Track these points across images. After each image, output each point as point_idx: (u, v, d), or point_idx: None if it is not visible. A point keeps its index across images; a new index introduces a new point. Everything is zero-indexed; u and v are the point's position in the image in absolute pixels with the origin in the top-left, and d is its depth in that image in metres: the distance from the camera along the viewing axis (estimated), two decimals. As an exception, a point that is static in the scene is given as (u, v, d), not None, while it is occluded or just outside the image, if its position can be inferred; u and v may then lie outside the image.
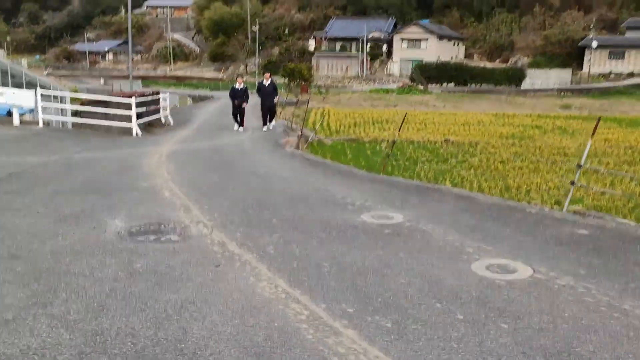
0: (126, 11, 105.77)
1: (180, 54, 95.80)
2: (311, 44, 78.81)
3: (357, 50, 73.04)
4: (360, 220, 5.75)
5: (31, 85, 18.90)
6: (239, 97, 17.03)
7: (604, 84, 52.41)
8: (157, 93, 18.90)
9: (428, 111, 32.92)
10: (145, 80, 63.96)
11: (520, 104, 42.38)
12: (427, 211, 6.10)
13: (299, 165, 9.94)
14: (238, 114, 17.27)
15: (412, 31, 70.37)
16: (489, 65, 62.90)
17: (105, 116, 15.78)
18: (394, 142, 9.30)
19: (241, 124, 17.34)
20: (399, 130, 9.64)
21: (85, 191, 7.34)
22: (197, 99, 39.56)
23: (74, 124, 16.70)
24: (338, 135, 18.75)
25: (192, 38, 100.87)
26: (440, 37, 69.83)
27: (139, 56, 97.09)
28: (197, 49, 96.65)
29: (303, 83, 47.38)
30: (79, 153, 11.02)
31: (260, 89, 17.30)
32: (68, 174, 8.60)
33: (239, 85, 17.29)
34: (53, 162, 9.65)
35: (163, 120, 18.92)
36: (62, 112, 18.18)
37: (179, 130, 17.31)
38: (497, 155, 15.07)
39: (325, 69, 72.92)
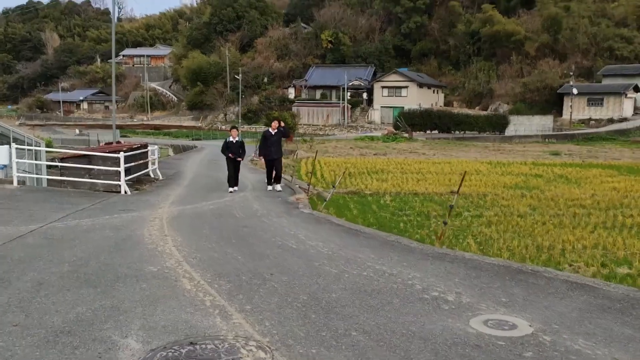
0: (102, 60, 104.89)
1: (157, 103, 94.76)
2: (291, 92, 78.54)
3: (338, 98, 72.87)
4: (475, 332, 4.14)
5: (4, 137, 17.09)
6: (234, 153, 14.10)
7: (586, 130, 52.66)
8: (146, 146, 17.27)
9: (421, 160, 31.85)
10: (123, 129, 62.23)
11: (508, 150, 41.82)
12: (550, 311, 4.53)
13: (332, 234, 8.33)
14: (234, 173, 14.27)
15: (393, 79, 70.63)
16: (469, 112, 63.02)
17: (89, 172, 14.04)
18: (451, 207, 7.77)
19: (236, 183, 14.44)
20: (458, 192, 8.13)
21: (78, 281, 5.59)
22: (180, 149, 37.92)
23: (52, 182, 14.87)
24: (335, 188, 17.20)
25: (170, 87, 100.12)
26: (420, 85, 70.21)
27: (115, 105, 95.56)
28: (175, 98, 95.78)
29: (287, 131, 46.25)
30: (62, 220, 9.23)
31: (267, 138, 14.44)
32: (52, 252, 6.84)
33: (234, 138, 14.40)
34: (32, 235, 7.86)
35: (152, 175, 17.21)
36: (37, 167, 16.36)
37: (171, 187, 15.58)
38: (512, 208, 13.73)
39: (306, 117, 72.33)
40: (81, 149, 19.41)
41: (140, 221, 9.31)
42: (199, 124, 79.01)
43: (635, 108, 59.45)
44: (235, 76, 68.24)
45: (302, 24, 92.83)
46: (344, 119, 70.39)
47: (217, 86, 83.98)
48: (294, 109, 70.45)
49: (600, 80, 63.86)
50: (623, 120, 56.93)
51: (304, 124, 68.78)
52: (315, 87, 76.98)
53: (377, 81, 71.95)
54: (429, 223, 11.15)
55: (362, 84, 74.77)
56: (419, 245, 7.33)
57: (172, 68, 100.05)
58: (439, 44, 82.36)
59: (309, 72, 79.81)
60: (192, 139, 54.91)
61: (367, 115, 72.47)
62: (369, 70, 78.11)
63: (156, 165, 17.89)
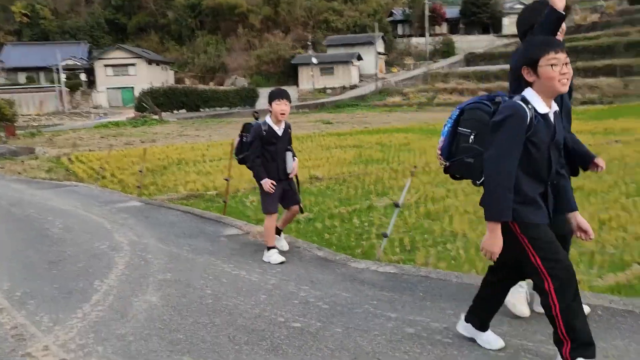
0: None
1: None
2: (-18, 78, 62.43)
3: (51, 81, 60.70)
4: None
5: None
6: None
7: (333, 98, 54.45)
8: None
9: (211, 143, 26.74)
10: None
11: (277, 123, 39.74)
12: None
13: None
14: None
15: (117, 56, 62.01)
16: (216, 88, 59.34)
17: None
18: None
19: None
20: None
21: None
22: None
23: None
24: (151, 192, 11.62)
25: None
26: (150, 62, 63.46)
27: None
28: None
29: (7, 124, 35.50)
30: None
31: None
32: None
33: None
34: None
35: None
36: None
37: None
38: (418, 190, 10.87)
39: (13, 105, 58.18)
40: None
41: None
42: None
43: (360, 75, 64.20)
44: None
45: (-20, -7, 74.63)
46: (64, 105, 58.96)
47: None
48: (-7, 97, 55.85)
49: (325, 50, 67.10)
50: (354, 87, 60.84)
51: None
52: (16, 70, 62.72)
53: (99, 59, 62.25)
54: (353, 227, 7.63)
55: (79, 63, 63.85)
56: None
57: None
58: (157, 17, 75.91)
59: (4, 51, 64.59)
60: None
61: (92, 99, 62.29)
62: (83, 48, 67.24)
63: None
